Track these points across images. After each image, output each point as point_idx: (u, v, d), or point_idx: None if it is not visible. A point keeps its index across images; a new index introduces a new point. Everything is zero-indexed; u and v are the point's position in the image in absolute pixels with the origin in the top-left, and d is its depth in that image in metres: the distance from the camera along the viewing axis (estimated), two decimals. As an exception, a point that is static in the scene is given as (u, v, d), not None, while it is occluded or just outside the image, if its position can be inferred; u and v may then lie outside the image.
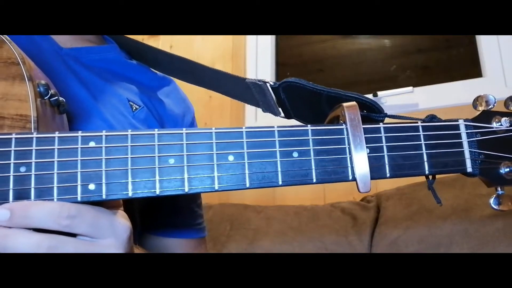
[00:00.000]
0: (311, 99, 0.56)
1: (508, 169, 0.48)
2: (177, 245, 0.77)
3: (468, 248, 1.05)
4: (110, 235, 0.44)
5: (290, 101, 0.60)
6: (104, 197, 0.44)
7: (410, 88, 1.63)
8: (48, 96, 0.50)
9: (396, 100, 1.63)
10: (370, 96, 1.65)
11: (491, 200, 0.50)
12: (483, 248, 1.03)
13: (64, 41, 0.70)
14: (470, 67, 1.65)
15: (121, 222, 0.45)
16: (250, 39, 1.94)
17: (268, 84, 0.60)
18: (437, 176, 0.51)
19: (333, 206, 1.36)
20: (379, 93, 1.64)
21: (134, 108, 0.70)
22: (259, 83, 0.61)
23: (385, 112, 0.54)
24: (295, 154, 0.47)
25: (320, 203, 1.43)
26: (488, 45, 1.59)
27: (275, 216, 1.35)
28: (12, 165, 0.44)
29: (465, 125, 0.50)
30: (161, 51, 0.77)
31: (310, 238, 1.26)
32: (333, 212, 1.33)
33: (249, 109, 1.82)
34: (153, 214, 0.76)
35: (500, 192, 0.50)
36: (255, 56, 1.91)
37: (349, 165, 0.47)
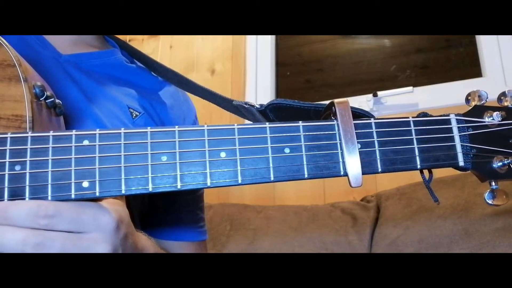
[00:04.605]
0: (300, 115, 0.56)
1: (501, 163, 0.49)
2: (178, 247, 0.76)
3: (468, 248, 1.05)
4: (95, 229, 0.45)
5: (279, 120, 0.60)
6: (97, 194, 0.45)
7: (410, 88, 1.63)
8: (44, 98, 0.50)
9: (396, 100, 1.63)
10: (370, 96, 1.65)
11: (486, 195, 0.50)
12: (483, 248, 1.03)
13: (64, 47, 0.70)
14: (470, 67, 1.64)
15: (106, 214, 0.45)
16: (250, 39, 1.94)
17: (254, 108, 0.60)
18: (437, 175, 0.51)
19: (333, 206, 1.36)
20: (379, 93, 1.64)
21: (134, 115, 0.70)
22: (246, 106, 0.61)
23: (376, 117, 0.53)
24: (287, 150, 0.47)
25: (320, 203, 1.43)
26: (488, 45, 1.59)
27: (275, 216, 1.35)
28: (7, 163, 0.44)
29: (457, 119, 0.50)
30: (157, 62, 0.78)
31: (310, 238, 1.25)
32: (333, 212, 1.32)
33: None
34: (154, 217, 0.76)
35: (494, 186, 0.50)
36: (255, 56, 1.91)
37: (340, 160, 0.47)
